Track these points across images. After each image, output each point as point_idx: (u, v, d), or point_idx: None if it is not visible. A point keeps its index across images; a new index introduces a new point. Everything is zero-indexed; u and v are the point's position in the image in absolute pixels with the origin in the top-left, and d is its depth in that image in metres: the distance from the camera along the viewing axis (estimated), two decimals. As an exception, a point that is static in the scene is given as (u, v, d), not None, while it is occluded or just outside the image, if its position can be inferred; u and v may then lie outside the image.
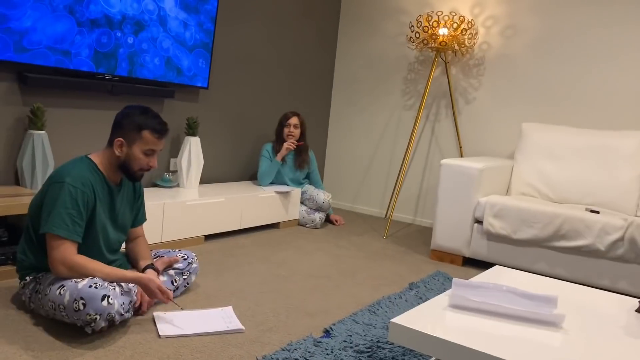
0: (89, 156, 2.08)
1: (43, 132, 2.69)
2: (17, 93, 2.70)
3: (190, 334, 1.98)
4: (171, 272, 2.33)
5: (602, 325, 1.58)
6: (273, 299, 2.44)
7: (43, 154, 2.69)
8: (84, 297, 1.81)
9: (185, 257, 2.40)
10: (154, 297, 2.05)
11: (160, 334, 1.95)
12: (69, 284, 1.87)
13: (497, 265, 2.14)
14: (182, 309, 2.20)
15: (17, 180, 2.75)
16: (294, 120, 3.93)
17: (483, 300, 1.57)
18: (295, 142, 3.91)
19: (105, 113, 3.10)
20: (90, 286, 1.84)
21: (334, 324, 2.17)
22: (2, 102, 2.65)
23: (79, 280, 1.88)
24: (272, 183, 4.00)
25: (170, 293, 2.06)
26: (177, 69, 3.32)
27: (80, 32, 2.79)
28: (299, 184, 4.11)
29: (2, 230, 2.49)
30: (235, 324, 2.10)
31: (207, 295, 2.40)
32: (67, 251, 1.91)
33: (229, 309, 2.24)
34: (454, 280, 1.66)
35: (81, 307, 1.81)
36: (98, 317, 1.81)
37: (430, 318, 1.49)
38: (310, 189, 4.04)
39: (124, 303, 1.90)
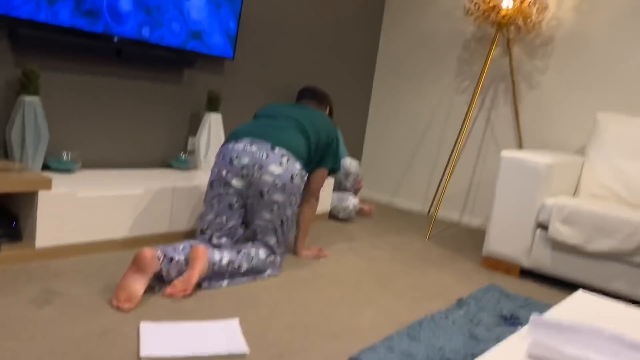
0: None
1: (36, 98, 2.31)
2: (8, 52, 2.32)
3: (179, 356, 1.57)
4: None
5: None
6: (290, 311, 2.00)
7: (35, 124, 2.31)
8: None
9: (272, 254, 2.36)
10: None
11: (141, 354, 1.54)
12: None
13: (581, 290, 1.64)
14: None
15: (6, 153, 2.39)
16: None
17: (578, 355, 1.09)
18: None
19: (110, 80, 2.70)
20: None
21: (363, 352, 1.72)
22: (-10, 61, 2.28)
23: None
24: None
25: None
26: (199, 36, 2.90)
27: (83, -17, 2.39)
28: None
29: (-19, 211, 2.13)
30: (238, 344, 1.67)
31: (211, 301, 1.98)
32: None
33: (235, 322, 1.82)
34: (533, 319, 1.18)
35: None
36: None
37: (502, 378, 1.02)
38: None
39: None
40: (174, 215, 2.59)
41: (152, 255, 1.90)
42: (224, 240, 2.30)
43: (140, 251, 1.89)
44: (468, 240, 3.49)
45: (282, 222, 2.31)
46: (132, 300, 1.82)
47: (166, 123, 3.00)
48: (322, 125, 2.53)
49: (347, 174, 3.61)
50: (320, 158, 2.56)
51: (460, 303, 2.27)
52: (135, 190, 2.43)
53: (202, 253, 2.01)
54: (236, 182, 2.27)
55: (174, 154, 3.06)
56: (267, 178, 2.24)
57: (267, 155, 2.27)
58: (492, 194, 2.82)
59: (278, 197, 2.26)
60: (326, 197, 3.47)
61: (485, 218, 3.89)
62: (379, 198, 4.42)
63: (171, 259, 1.99)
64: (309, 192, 2.59)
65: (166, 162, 3.04)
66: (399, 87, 4.29)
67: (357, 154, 4.44)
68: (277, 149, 2.29)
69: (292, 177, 2.29)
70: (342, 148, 3.72)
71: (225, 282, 2.15)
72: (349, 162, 3.61)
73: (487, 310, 2.24)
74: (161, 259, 1.96)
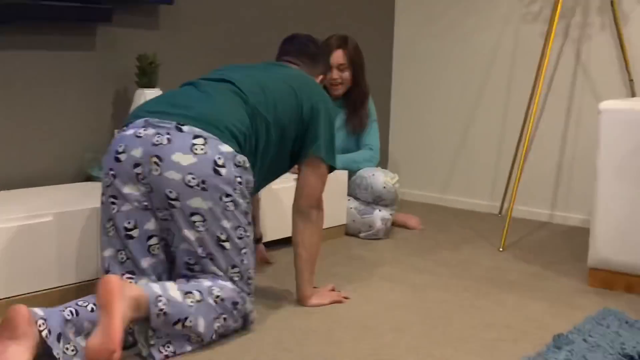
0: None
1: None
2: None
3: None
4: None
5: None
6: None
7: None
8: None
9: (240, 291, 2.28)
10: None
11: None
12: None
13: None
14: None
15: None
16: (337, 59, 3.51)
17: None
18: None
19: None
20: None
21: None
22: None
23: None
24: None
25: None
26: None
27: None
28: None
29: None
30: None
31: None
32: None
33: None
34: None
35: None
36: None
37: None
38: (361, 170, 3.62)
39: None
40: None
41: (25, 314, 1.82)
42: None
43: (9, 309, 1.81)
44: (565, 248, 3.52)
45: (218, 241, 2.19)
46: None
47: (78, 114, 3.04)
48: (296, 88, 2.52)
49: (378, 200, 3.58)
50: (300, 143, 2.53)
51: (558, 342, 2.26)
52: (42, 217, 2.46)
53: (116, 286, 1.88)
54: (129, 190, 2.19)
55: (95, 159, 3.08)
56: (172, 175, 2.14)
57: (169, 140, 2.17)
58: (594, 172, 2.81)
59: (197, 202, 2.15)
60: (339, 203, 3.48)
61: (588, 211, 3.88)
62: (423, 196, 4.44)
63: (59, 335, 1.89)
64: (302, 202, 2.54)
65: (84, 173, 3.08)
66: (432, 26, 4.31)
67: (383, 138, 4.41)
68: (185, 128, 2.20)
69: (215, 167, 2.16)
70: (375, 141, 3.75)
71: (189, 347, 2.11)
72: (382, 183, 3.54)
73: (602, 349, 2.23)
74: (42, 328, 1.85)
